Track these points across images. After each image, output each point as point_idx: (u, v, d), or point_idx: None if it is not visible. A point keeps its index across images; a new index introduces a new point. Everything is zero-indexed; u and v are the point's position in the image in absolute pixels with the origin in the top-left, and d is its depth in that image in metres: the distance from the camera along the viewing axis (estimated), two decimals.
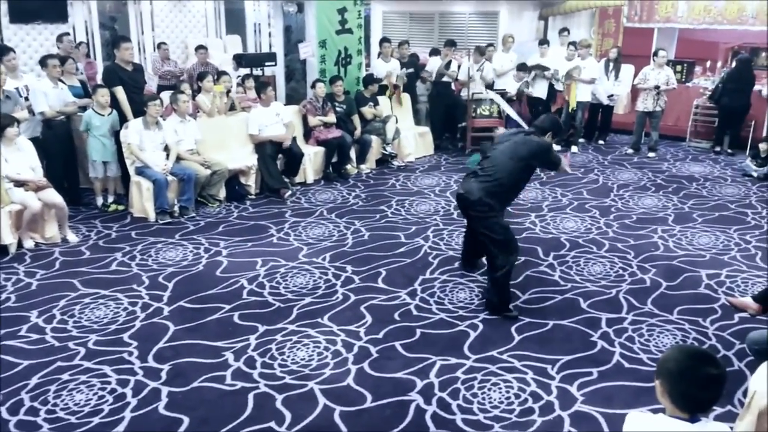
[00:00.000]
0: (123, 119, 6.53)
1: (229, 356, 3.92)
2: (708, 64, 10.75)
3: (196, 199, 6.62)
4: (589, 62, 9.30)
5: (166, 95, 7.46)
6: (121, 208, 6.61)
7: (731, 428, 2.93)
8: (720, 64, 10.63)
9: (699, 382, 1.85)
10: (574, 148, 9.45)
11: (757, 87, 9.21)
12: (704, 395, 1.87)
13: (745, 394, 3.23)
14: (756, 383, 3.04)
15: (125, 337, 4.16)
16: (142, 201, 6.35)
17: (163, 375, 3.73)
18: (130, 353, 3.96)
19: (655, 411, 2.03)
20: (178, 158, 6.56)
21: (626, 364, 3.87)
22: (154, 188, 6.26)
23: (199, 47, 9.36)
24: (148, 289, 4.86)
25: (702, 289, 4.89)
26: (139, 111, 6.47)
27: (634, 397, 3.51)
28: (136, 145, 6.33)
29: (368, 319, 4.42)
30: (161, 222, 6.24)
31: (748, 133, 9.30)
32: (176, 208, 6.43)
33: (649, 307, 4.60)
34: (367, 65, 9.75)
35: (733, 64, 9.31)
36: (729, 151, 9.31)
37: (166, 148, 6.52)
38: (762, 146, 8.19)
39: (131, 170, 6.48)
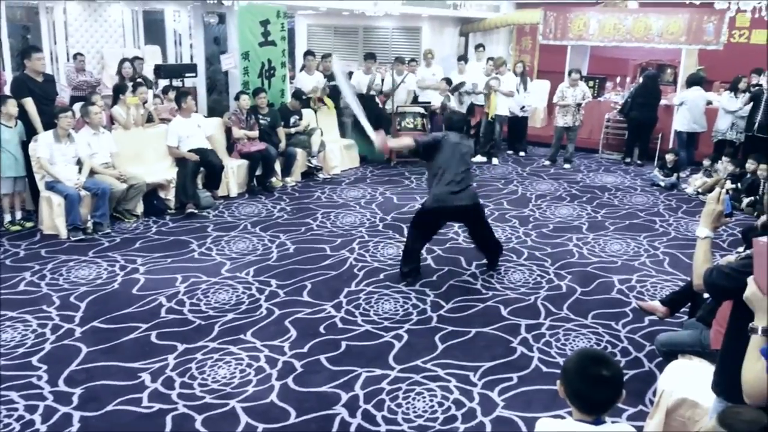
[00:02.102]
0: (33, 132, 6.23)
1: (145, 377, 3.78)
2: (618, 79, 11.32)
3: (111, 214, 6.38)
4: (507, 77, 9.61)
5: (78, 107, 7.16)
6: (29, 225, 6.28)
7: (637, 427, 3.06)
8: (629, 79, 11.22)
9: (588, 381, 1.92)
10: (494, 160, 9.71)
11: (663, 101, 9.79)
12: (595, 395, 1.94)
13: (655, 393, 3.38)
14: (664, 383, 3.20)
15: (34, 360, 3.94)
16: (53, 217, 6.05)
17: (75, 399, 3.56)
18: (39, 377, 3.76)
19: (571, 414, 2.10)
20: (92, 172, 6.30)
21: (544, 369, 3.99)
22: (66, 204, 5.98)
23: (125, 60, 9.01)
24: (58, 309, 4.63)
25: (614, 294, 5.12)
26: (49, 123, 6.19)
27: (551, 401, 3.61)
28: (46, 159, 6.04)
29: (293, 333, 4.36)
30: (73, 239, 5.97)
31: (655, 145, 9.85)
32: (90, 225, 6.17)
33: (565, 312, 4.77)
34: (292, 78, 9.70)
35: (641, 80, 9.86)
36: (638, 162, 9.82)
37: (79, 162, 6.26)
38: (668, 157, 8.68)
39: (41, 185, 6.17)
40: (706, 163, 8.47)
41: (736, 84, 8.88)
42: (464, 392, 3.71)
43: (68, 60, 9.80)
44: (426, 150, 5.18)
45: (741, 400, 1.98)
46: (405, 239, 5.47)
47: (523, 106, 9.99)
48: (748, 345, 1.98)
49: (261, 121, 8.01)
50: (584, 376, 1.92)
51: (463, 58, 10.35)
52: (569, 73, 9.56)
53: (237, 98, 7.95)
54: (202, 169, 7.13)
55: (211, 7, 9.69)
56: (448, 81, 9.75)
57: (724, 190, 2.41)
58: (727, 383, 2.24)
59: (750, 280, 1.97)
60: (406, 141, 5.65)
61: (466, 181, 5.14)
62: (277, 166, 8.10)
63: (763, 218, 5.63)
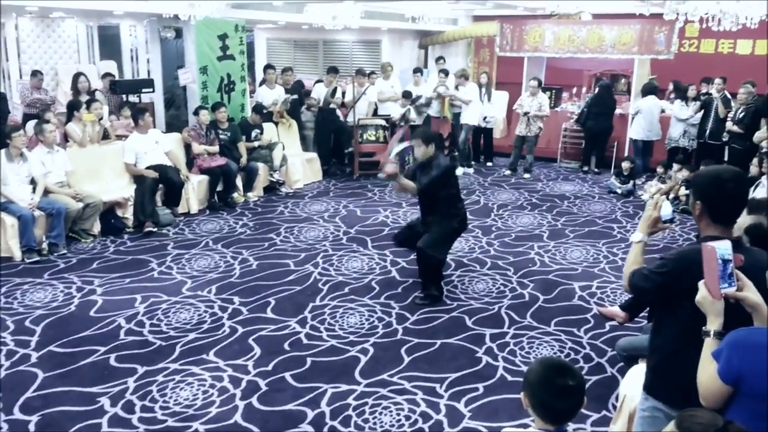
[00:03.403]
0: None
1: (104, 402, 3.68)
2: (574, 90, 11.56)
3: (67, 234, 6.21)
4: (468, 87, 9.74)
5: (31, 125, 6.99)
6: None
7: None
8: (585, 89, 11.46)
9: (554, 392, 1.93)
10: (459, 170, 9.79)
11: (618, 110, 10.03)
12: (560, 405, 1.95)
13: (618, 398, 3.43)
14: (626, 387, 3.25)
15: None
16: (6, 239, 5.87)
17: (32, 427, 3.44)
18: None
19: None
20: (46, 191, 6.14)
21: (509, 378, 4.02)
22: (20, 225, 5.81)
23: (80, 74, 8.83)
24: (13, 334, 4.48)
25: (576, 301, 5.20)
26: (0, 142, 6.02)
27: (517, 410, 3.63)
28: None
29: (257, 351, 4.31)
30: (28, 261, 5.80)
31: (612, 153, 10.08)
32: (45, 246, 6.00)
33: (528, 320, 4.82)
34: (252, 92, 9.64)
35: (596, 90, 10.09)
36: (596, 170, 10.03)
37: (33, 181, 6.09)
38: (624, 165, 8.89)
39: None
40: (660, 170, 8.70)
41: (684, 92, 9.16)
42: (431, 404, 3.71)
43: (20, 77, 9.58)
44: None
45: (674, 401, 2.04)
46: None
47: (486, 117, 10.12)
48: (700, 348, 2.02)
49: (221, 136, 7.93)
50: (549, 387, 1.93)
51: (418, 70, 10.46)
52: (530, 81, 9.74)
53: (196, 113, 7.86)
54: (161, 185, 7.02)
55: (168, 22, 9.59)
56: (408, 93, 9.82)
57: (663, 197, 2.51)
58: (654, 383, 2.37)
59: (701, 284, 2.02)
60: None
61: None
62: (239, 181, 8.02)
63: None
